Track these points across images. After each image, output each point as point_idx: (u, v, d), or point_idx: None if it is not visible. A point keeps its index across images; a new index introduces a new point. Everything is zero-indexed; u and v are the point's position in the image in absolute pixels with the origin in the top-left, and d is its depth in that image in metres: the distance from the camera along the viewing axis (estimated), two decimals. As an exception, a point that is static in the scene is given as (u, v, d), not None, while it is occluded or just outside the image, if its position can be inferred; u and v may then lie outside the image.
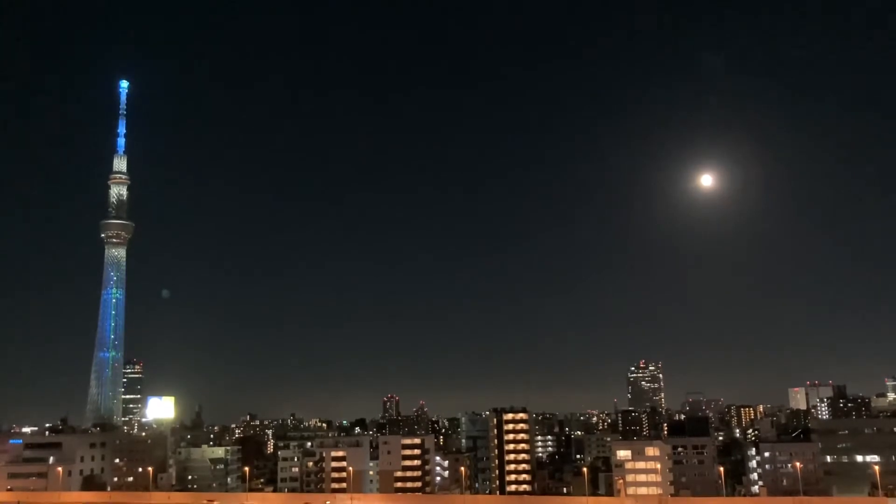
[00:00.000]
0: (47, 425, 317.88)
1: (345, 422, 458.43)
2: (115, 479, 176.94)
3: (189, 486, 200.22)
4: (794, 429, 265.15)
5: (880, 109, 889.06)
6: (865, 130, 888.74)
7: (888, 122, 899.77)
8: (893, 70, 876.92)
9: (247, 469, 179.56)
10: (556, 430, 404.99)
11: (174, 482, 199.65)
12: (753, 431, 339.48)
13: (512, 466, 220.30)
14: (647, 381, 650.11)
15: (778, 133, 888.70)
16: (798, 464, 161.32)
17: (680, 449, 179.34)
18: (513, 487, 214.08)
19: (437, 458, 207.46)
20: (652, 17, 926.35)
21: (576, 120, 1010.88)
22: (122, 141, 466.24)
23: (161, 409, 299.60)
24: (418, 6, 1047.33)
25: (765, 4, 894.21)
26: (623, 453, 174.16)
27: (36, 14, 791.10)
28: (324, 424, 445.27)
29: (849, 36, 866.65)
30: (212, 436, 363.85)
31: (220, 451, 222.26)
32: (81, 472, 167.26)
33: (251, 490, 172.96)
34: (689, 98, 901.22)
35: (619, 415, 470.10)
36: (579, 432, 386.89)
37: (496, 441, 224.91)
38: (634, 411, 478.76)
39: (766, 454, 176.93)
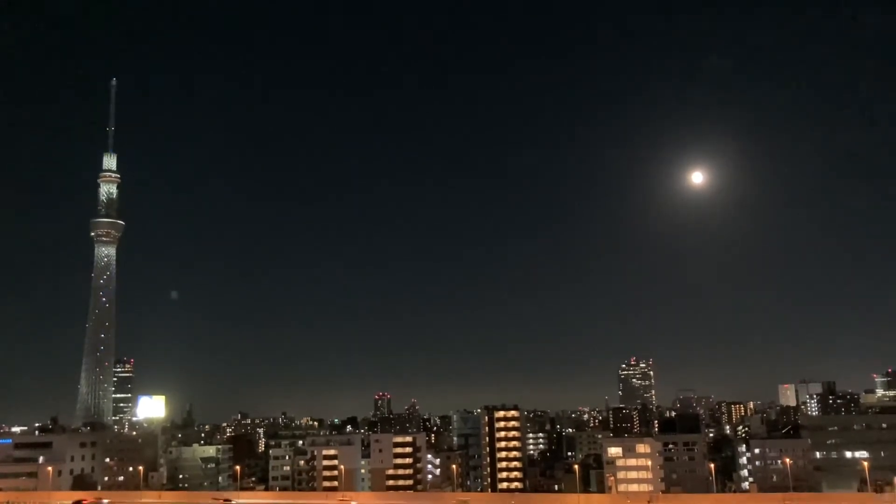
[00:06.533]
0: (37, 425, 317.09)
1: (336, 420, 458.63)
2: (106, 478, 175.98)
3: (180, 485, 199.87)
4: (784, 425, 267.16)
5: (877, 108, 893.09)
6: (862, 129, 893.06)
7: (885, 120, 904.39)
8: (888, 68, 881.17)
9: (238, 468, 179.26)
10: (548, 427, 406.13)
11: (165, 481, 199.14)
12: (744, 428, 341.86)
13: (503, 464, 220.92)
14: (638, 379, 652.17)
15: (772, 131, 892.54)
16: (788, 460, 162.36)
17: (671, 446, 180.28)
18: (504, 485, 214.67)
19: (429, 456, 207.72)
20: (648, 15, 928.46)
21: (570, 118, 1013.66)
22: (112, 139, 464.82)
23: (152, 408, 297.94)
24: (411, 3, 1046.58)
25: (763, 3, 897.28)
26: (614, 450, 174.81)
27: (28, 14, 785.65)
28: (315, 423, 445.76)
29: (846, 34, 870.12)
30: (203, 434, 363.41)
31: (211, 450, 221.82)
32: (72, 471, 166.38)
33: (243, 489, 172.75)
34: (684, 96, 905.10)
35: (611, 412, 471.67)
36: (570, 430, 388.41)
37: (488, 439, 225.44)
38: (625, 408, 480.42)
39: (757, 450, 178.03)
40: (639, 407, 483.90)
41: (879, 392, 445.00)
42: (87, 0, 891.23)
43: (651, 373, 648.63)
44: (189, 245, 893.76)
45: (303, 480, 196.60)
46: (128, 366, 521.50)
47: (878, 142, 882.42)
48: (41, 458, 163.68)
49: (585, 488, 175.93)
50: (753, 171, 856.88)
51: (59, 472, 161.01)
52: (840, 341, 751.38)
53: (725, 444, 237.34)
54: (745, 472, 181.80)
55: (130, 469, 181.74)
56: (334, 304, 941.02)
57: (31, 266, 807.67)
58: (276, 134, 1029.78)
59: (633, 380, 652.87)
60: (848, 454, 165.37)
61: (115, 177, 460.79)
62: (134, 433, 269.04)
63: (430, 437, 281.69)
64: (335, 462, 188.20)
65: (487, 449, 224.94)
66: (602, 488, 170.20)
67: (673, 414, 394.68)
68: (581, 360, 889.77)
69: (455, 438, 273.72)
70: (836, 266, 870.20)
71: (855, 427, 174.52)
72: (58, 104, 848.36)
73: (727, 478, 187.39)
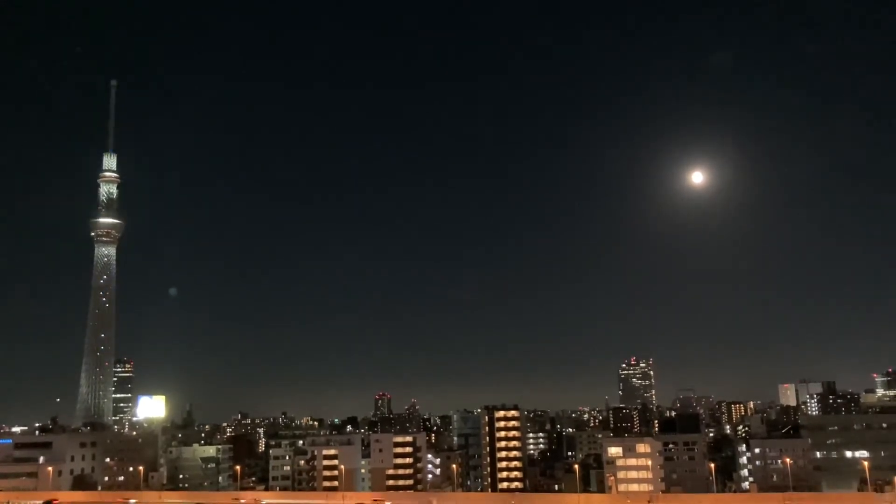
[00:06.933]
0: (37, 425, 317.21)
1: (336, 420, 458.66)
2: (106, 478, 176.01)
3: (180, 485, 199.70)
4: (784, 425, 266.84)
5: (876, 108, 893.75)
6: (861, 128, 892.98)
7: (884, 120, 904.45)
8: (887, 68, 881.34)
9: (238, 468, 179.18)
10: (548, 427, 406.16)
11: (165, 481, 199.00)
12: (744, 428, 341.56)
13: (504, 464, 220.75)
14: (638, 378, 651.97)
15: (771, 131, 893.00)
16: (788, 460, 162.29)
17: (671, 446, 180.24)
18: (504, 485, 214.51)
19: (429, 455, 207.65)
20: (648, 15, 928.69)
21: (569, 117, 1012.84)
22: (112, 139, 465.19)
23: (152, 408, 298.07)
24: (411, 3, 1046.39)
25: (762, 3, 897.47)
26: (614, 450, 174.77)
27: (28, 14, 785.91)
28: (315, 423, 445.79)
29: (845, 33, 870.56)
30: (203, 434, 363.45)
31: (211, 450, 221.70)
32: (72, 471, 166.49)
33: (243, 489, 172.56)
34: (684, 95, 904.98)
35: (611, 412, 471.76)
36: (571, 429, 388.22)
37: (488, 438, 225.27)
38: (625, 408, 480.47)
39: (757, 450, 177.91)
40: (639, 407, 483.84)
41: (879, 392, 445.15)
42: (87, 0, 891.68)
43: (651, 372, 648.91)
44: (189, 245, 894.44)
45: (303, 480, 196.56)
46: (128, 366, 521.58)
47: (879, 141, 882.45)
48: (41, 458, 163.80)
49: (585, 488, 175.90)
50: (753, 171, 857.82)
51: (60, 472, 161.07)
52: (840, 341, 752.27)
53: (725, 444, 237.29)
54: (745, 472, 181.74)
55: (130, 469, 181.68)
56: (334, 305, 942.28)
57: (31, 266, 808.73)
58: (277, 134, 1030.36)
59: (634, 379, 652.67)
60: (848, 454, 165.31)
61: (115, 177, 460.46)
62: (134, 433, 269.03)
63: (430, 437, 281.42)
64: (335, 462, 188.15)
65: (487, 449, 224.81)
66: (602, 488, 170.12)
67: (673, 414, 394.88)
68: (581, 360, 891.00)
69: (455, 438, 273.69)
70: (836, 266, 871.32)
71: (855, 427, 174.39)
72: (58, 104, 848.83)
73: (727, 477, 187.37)
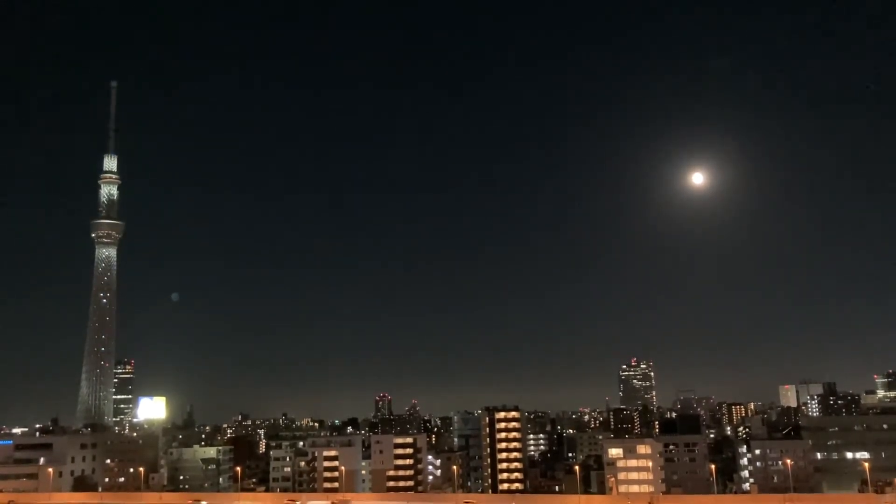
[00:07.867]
0: (38, 426, 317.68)
1: (337, 421, 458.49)
2: (107, 479, 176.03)
3: (181, 486, 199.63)
4: (785, 426, 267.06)
5: (875, 107, 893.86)
6: (859, 128, 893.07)
7: (883, 119, 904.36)
8: (889, 67, 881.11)
9: (238, 469, 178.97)
10: (549, 428, 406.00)
11: (166, 482, 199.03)
12: (744, 429, 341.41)
13: (504, 465, 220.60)
14: (639, 380, 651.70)
15: (770, 131, 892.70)
16: (789, 461, 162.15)
17: (671, 447, 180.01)
18: (505, 486, 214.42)
19: (430, 457, 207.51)
20: (647, 13, 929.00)
21: (569, 119, 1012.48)
22: (112, 140, 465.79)
23: (152, 409, 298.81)
24: (410, 6, 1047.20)
25: (763, 2, 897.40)
26: (615, 451, 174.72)
27: (30, 14, 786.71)
28: (316, 424, 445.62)
29: (846, 33, 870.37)
30: (203, 436, 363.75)
31: (211, 451, 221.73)
32: (72, 473, 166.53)
33: (243, 490, 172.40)
34: (684, 95, 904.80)
35: (611, 413, 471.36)
36: (571, 431, 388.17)
37: (488, 440, 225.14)
38: (626, 409, 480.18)
39: (757, 451, 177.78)
40: (639, 408, 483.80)
41: (880, 393, 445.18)
42: (87, 1, 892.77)
43: (652, 374, 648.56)
44: (189, 245, 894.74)
45: (303, 482, 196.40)
46: (128, 367, 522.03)
47: (880, 141, 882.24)
48: (42, 460, 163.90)
49: (586, 489, 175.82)
50: (754, 171, 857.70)
51: (60, 474, 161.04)
52: (840, 341, 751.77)
53: (726, 445, 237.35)
54: (745, 473, 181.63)
55: (131, 470, 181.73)
56: (334, 305, 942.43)
57: (31, 266, 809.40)
58: (277, 134, 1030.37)
59: (634, 381, 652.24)
60: (849, 455, 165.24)
61: (116, 178, 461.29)
62: (134, 434, 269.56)
63: (430, 438, 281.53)
64: (336, 463, 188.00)
65: (488, 450, 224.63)
66: (603, 489, 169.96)
67: (673, 415, 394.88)
68: (581, 361, 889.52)
69: (455, 439, 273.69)
70: (836, 266, 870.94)
71: (856, 428, 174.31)
72: (58, 105, 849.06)
73: (728, 479, 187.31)
